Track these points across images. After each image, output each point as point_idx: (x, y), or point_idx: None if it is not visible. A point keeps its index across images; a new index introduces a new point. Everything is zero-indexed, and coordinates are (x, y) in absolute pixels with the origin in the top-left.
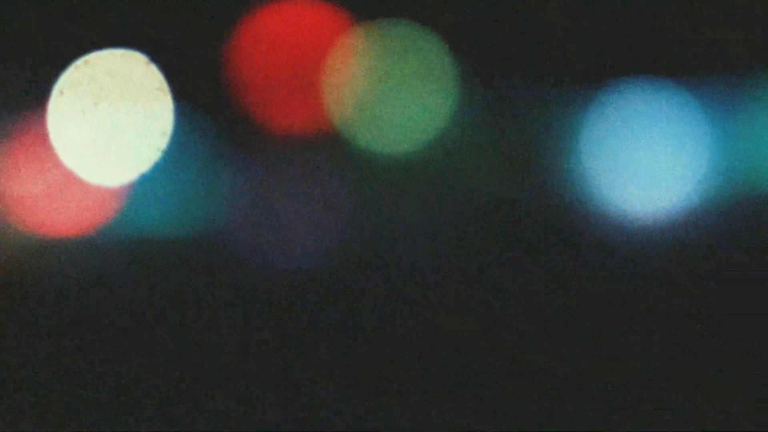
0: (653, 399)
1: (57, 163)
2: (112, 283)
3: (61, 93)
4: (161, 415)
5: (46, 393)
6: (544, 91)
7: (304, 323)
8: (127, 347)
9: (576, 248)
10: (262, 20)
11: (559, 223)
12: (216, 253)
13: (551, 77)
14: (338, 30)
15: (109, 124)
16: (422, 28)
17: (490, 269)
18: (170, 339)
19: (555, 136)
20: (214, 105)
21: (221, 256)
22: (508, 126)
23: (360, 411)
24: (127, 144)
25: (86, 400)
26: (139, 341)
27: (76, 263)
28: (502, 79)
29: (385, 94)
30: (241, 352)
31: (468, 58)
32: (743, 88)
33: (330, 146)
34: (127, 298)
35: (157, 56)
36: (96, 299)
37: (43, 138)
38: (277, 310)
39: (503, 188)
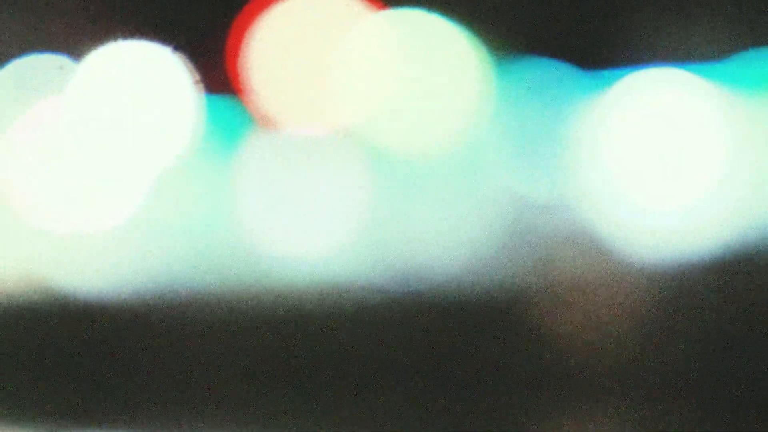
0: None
1: (76, 159)
2: (131, 279)
3: (79, 85)
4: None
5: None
6: (566, 88)
7: (319, 319)
8: (147, 341)
9: (597, 245)
10: (283, 12)
11: (576, 220)
12: (234, 247)
13: (576, 69)
14: (357, 22)
15: (130, 119)
16: (443, 18)
17: (507, 268)
18: (188, 331)
19: (578, 133)
20: (234, 101)
21: (239, 250)
22: (529, 124)
23: (367, 407)
24: (149, 142)
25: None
26: (158, 334)
27: (97, 258)
28: (526, 74)
29: (403, 89)
30: (257, 343)
31: (490, 51)
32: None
33: (348, 142)
34: (147, 293)
35: (180, 50)
36: (116, 294)
37: (61, 132)
38: (294, 303)
39: (524, 185)
